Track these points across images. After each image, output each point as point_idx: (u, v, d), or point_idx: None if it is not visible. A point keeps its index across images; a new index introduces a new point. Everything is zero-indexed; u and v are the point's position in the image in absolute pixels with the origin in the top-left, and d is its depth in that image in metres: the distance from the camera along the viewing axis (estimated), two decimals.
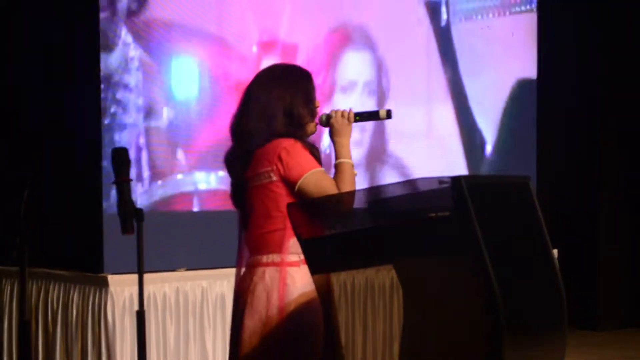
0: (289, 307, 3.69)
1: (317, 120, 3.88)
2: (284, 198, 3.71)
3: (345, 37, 7.16)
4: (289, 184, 3.71)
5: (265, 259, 3.74)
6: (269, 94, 3.78)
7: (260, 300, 3.71)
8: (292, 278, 3.71)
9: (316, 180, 3.70)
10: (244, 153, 3.77)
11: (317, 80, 4.44)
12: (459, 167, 7.78)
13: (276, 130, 3.75)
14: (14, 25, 6.43)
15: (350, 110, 3.88)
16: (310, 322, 3.71)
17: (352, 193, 3.65)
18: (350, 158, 3.82)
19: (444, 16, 7.75)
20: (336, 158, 3.83)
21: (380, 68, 7.32)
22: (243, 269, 3.84)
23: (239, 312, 3.78)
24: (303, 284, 3.72)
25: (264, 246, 3.74)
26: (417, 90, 7.59)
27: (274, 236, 3.72)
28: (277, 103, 3.77)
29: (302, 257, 3.66)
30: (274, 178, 3.71)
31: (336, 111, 3.88)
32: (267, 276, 3.72)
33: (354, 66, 7.19)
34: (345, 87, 7.13)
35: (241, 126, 3.80)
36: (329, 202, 3.64)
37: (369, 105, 7.08)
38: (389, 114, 3.92)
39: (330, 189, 3.70)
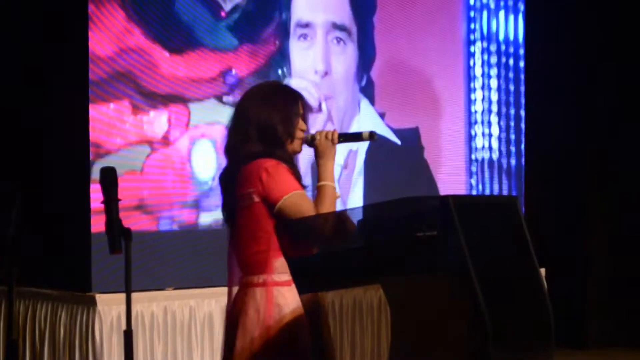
0: (279, 326, 3.69)
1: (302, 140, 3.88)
2: (266, 219, 3.71)
3: None
4: (269, 205, 3.70)
5: (256, 279, 3.74)
6: (247, 112, 3.79)
7: (252, 320, 3.71)
8: (284, 298, 3.71)
9: (295, 202, 3.69)
10: (232, 172, 3.78)
11: None
12: (447, 185, 7.80)
13: (252, 148, 3.75)
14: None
15: (334, 131, 3.86)
16: (299, 340, 3.71)
17: (330, 216, 3.64)
18: (333, 181, 3.80)
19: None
20: (318, 180, 3.81)
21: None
22: (235, 289, 3.84)
23: (231, 333, 3.78)
24: (297, 303, 3.72)
25: (254, 267, 3.74)
26: (409, 106, 7.62)
27: (260, 257, 3.72)
28: (253, 120, 3.77)
29: None
30: (256, 199, 3.71)
31: (320, 132, 3.86)
32: (258, 296, 3.72)
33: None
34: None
35: (228, 144, 3.83)
36: (306, 224, 3.64)
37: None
38: (372, 136, 3.90)
39: (308, 211, 3.67)
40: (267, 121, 3.76)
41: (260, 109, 3.78)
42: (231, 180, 3.79)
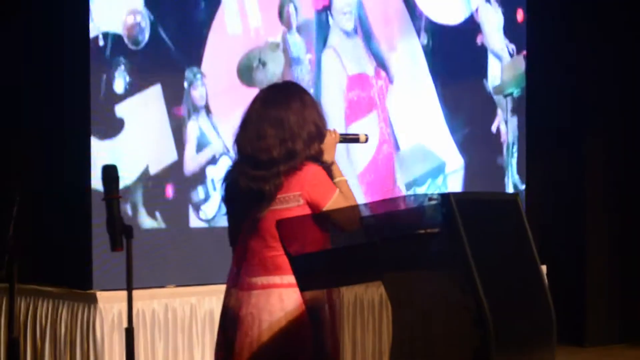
0: (304, 324, 3.73)
1: None
2: None
3: None
4: (314, 207, 3.74)
5: (279, 280, 3.74)
6: (297, 115, 3.78)
7: (279, 321, 3.71)
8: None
9: (338, 202, 3.74)
10: (272, 176, 3.73)
11: None
12: (450, 183, 7.80)
13: (303, 151, 3.75)
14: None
15: (334, 130, 3.91)
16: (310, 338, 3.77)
17: (357, 209, 3.70)
18: (342, 174, 3.89)
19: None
20: (332, 177, 3.84)
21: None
22: (239, 288, 3.82)
23: (246, 332, 3.74)
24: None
25: (280, 267, 3.72)
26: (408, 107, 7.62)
27: None
28: (304, 124, 3.78)
29: None
30: (301, 201, 3.74)
31: (326, 131, 3.90)
32: (285, 297, 3.73)
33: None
34: None
35: (262, 147, 3.75)
36: (346, 218, 3.66)
37: None
38: (366, 139, 4.07)
39: (348, 207, 3.74)
40: (317, 124, 3.80)
41: (309, 112, 3.80)
42: (261, 184, 3.74)
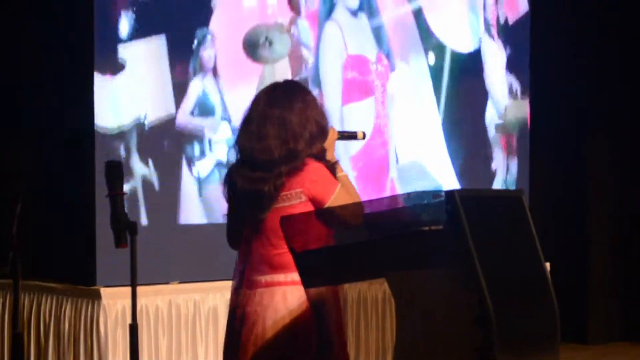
0: (309, 322, 3.75)
1: None
2: None
3: None
4: (316, 203, 3.76)
5: (283, 277, 3.76)
6: (299, 115, 3.79)
7: (283, 318, 3.73)
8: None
9: (341, 197, 3.76)
10: (273, 177, 3.74)
11: None
12: (453, 181, 7.80)
13: (304, 151, 3.76)
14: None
15: (332, 127, 3.91)
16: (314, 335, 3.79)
17: (360, 204, 3.72)
18: (342, 170, 3.90)
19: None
20: (334, 174, 3.85)
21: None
22: (244, 286, 3.83)
23: (251, 328, 3.76)
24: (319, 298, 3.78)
25: (283, 265, 3.74)
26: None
27: None
28: (307, 123, 3.79)
29: None
30: (303, 198, 3.75)
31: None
32: (289, 295, 3.74)
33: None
34: None
35: (263, 148, 3.76)
36: (349, 213, 3.67)
37: None
38: (364, 136, 4.11)
39: (350, 203, 3.76)
40: (319, 125, 3.82)
41: (310, 111, 3.81)
42: (261, 184, 3.75)
